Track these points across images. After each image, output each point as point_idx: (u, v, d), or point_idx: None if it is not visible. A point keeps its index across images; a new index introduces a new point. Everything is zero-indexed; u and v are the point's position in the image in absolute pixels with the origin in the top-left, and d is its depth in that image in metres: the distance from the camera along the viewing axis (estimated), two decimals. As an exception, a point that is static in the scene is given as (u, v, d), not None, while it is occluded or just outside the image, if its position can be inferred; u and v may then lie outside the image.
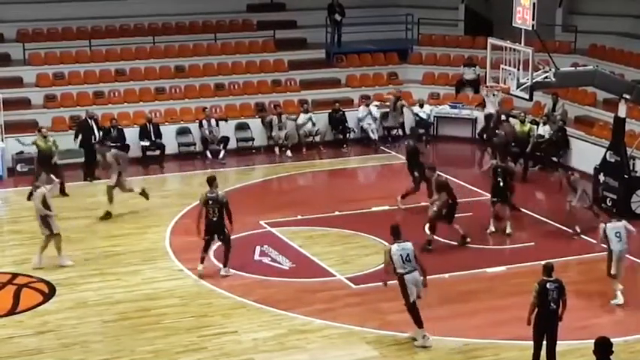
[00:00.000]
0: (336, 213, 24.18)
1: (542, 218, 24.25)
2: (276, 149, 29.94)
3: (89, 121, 27.75)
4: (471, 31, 34.88)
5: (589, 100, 30.10)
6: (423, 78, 33.67)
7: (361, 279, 20.21)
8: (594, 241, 22.57)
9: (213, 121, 29.44)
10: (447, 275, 20.42)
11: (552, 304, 15.65)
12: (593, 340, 17.19)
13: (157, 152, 28.95)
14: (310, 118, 30.46)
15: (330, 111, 31.18)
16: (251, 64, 32.66)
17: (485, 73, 24.54)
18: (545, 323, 15.81)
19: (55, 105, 29.82)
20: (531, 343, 17.35)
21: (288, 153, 29.78)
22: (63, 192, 25.60)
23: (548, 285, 15.66)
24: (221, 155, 29.22)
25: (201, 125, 29.48)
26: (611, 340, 17.30)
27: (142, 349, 17.23)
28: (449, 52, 34.43)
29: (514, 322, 18.20)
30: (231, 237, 20.55)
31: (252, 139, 30.35)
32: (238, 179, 27.27)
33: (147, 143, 28.78)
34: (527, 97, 22.62)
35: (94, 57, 31.50)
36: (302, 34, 34.49)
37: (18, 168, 27.76)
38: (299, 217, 23.82)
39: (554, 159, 28.40)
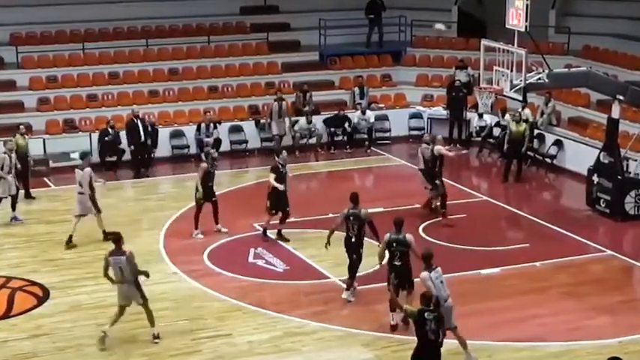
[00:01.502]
0: (330, 215, 24.11)
1: (536, 219, 24.25)
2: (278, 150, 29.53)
3: (135, 120, 28.09)
4: (465, 33, 34.89)
5: (582, 101, 30.16)
6: (416, 80, 33.71)
7: (360, 281, 20.20)
8: (587, 242, 22.78)
9: (211, 125, 29.40)
10: (440, 277, 20.41)
11: (430, 335, 14.83)
12: (586, 342, 17.57)
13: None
14: (309, 128, 30.43)
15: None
16: (244, 67, 32.69)
17: (479, 74, 24.55)
18: (426, 356, 14.97)
19: (49, 108, 29.81)
20: (526, 344, 17.53)
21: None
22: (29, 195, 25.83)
23: (426, 315, 14.76)
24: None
25: (199, 128, 29.44)
26: (606, 341, 17.64)
27: (136, 352, 17.23)
28: (442, 53, 34.47)
29: (508, 323, 18.41)
30: (226, 240, 20.75)
31: (246, 142, 30.34)
32: (232, 182, 27.27)
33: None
34: (520, 98, 22.66)
35: (88, 60, 31.50)
36: (295, 37, 34.50)
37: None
38: (293, 219, 23.79)
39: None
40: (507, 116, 28.96)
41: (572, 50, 32.29)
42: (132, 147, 28.18)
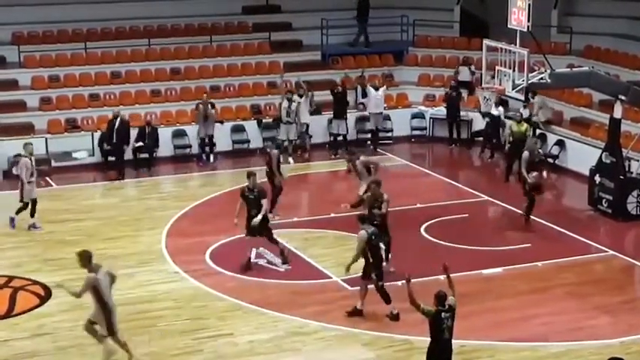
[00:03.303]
0: (332, 215, 24.12)
1: (537, 219, 24.15)
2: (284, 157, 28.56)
3: (114, 120, 27.97)
4: (467, 33, 34.82)
5: (584, 102, 30.10)
6: (418, 79, 33.62)
7: (357, 281, 20.07)
8: (589, 242, 22.72)
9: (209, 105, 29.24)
10: (442, 277, 20.27)
11: (446, 333, 14.90)
12: (588, 341, 17.52)
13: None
14: (310, 102, 30.32)
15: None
16: (247, 66, 32.62)
17: (481, 74, 24.50)
18: (440, 354, 15.04)
19: (51, 108, 29.72)
20: (528, 344, 17.48)
21: (290, 160, 29.15)
22: None
23: (443, 314, 14.87)
24: (211, 158, 29.24)
25: (197, 107, 29.28)
26: (608, 341, 17.59)
27: (137, 351, 17.08)
28: (444, 53, 34.37)
29: (510, 323, 18.39)
30: (228, 239, 20.90)
31: (248, 141, 30.29)
32: (234, 181, 27.22)
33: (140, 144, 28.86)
34: (522, 98, 22.62)
35: (90, 59, 31.41)
36: (297, 36, 34.43)
37: (14, 171, 27.53)
38: (295, 219, 23.77)
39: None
40: (501, 108, 28.93)
41: (574, 50, 32.19)
42: (107, 146, 28.13)
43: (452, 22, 35.50)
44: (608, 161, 24.43)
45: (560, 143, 28.61)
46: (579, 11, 34.10)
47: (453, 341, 16.69)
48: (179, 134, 29.74)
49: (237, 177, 27.71)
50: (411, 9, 34.60)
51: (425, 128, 32.06)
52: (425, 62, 34.35)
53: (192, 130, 29.62)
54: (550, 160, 28.41)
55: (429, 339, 16.96)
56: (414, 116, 32.23)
